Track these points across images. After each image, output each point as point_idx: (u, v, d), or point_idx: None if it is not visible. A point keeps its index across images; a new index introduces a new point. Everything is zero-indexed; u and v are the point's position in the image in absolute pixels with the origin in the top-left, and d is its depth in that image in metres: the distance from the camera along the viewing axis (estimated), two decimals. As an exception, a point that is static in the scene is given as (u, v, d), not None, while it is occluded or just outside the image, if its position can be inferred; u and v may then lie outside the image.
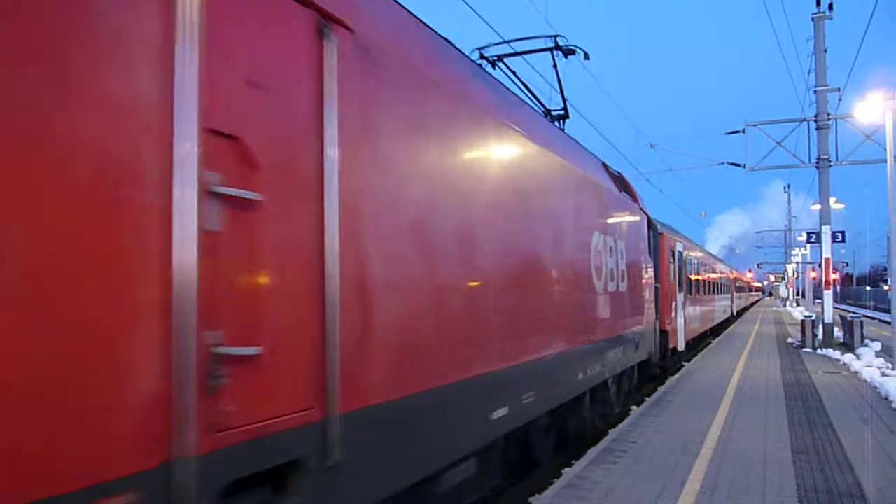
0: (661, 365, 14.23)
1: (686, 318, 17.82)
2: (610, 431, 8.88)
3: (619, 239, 9.51)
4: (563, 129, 8.90)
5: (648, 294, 11.74)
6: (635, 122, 22.56)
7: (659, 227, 15.02)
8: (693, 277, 20.42)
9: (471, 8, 9.17)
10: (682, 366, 16.60)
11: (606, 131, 18.05)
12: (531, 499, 6.69)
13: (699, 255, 23.65)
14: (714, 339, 25.77)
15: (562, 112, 9.09)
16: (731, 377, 13.99)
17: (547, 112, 8.87)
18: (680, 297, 16.73)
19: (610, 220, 9.12)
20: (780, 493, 6.05)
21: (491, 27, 9.98)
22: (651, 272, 12.22)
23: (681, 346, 16.85)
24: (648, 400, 11.33)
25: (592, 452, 7.65)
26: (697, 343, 22.35)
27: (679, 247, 17.38)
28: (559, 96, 9.02)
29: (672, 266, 15.98)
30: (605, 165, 9.88)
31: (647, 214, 12.13)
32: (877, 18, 15.09)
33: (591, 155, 9.27)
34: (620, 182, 10.56)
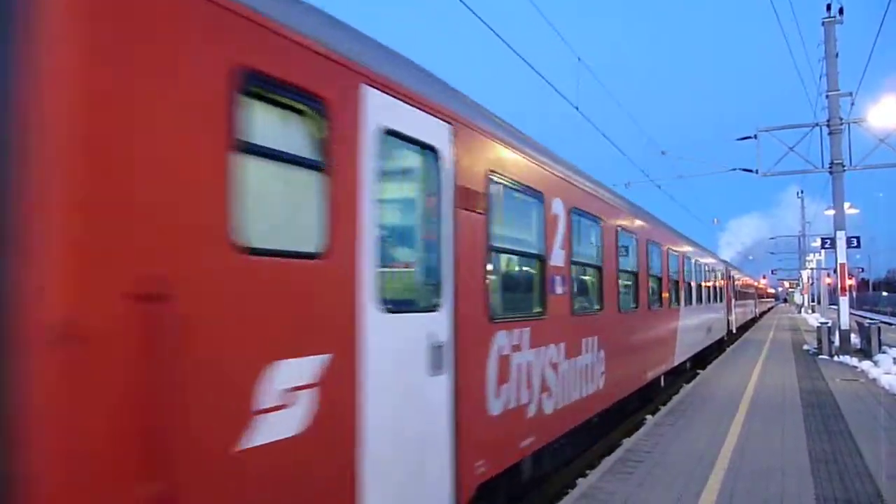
0: None
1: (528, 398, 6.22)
2: (624, 441, 8.81)
3: None
4: None
5: None
6: (646, 129, 22.49)
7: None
8: (584, 262, 8.13)
9: (485, 23, 9.16)
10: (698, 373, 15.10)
11: (617, 139, 18.06)
12: (546, 510, 6.64)
13: (623, 213, 10.26)
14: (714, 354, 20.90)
15: None
16: (747, 384, 13.84)
17: None
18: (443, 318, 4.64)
19: None
20: None
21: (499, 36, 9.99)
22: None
23: None
24: (663, 408, 11.23)
25: (607, 462, 7.58)
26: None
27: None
28: None
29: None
30: None
31: None
32: (888, 22, 15.00)
33: None
34: None
